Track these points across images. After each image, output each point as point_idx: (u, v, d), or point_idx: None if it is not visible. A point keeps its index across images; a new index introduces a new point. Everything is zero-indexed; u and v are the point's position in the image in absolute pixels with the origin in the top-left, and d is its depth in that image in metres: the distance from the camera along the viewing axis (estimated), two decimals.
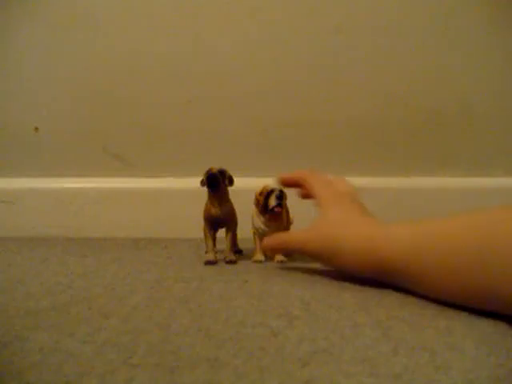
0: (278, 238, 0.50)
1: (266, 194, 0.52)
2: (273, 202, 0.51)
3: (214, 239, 0.55)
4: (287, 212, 0.55)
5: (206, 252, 0.54)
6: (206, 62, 0.71)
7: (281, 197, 0.52)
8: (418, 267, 0.38)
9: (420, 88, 0.71)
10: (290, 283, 0.44)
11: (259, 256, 0.54)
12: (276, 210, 0.51)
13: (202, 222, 0.54)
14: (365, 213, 0.47)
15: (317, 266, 0.49)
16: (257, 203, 0.53)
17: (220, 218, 0.53)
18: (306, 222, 0.46)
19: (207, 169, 0.52)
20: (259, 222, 0.53)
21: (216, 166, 0.52)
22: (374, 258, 0.41)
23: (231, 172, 0.53)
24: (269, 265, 0.53)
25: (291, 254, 0.55)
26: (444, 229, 0.37)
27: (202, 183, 0.52)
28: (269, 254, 0.54)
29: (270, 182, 0.53)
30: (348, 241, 0.43)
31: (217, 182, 0.51)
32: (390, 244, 0.40)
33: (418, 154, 0.72)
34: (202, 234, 0.54)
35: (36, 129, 0.74)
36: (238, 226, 0.55)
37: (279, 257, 0.53)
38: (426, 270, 0.37)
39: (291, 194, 0.53)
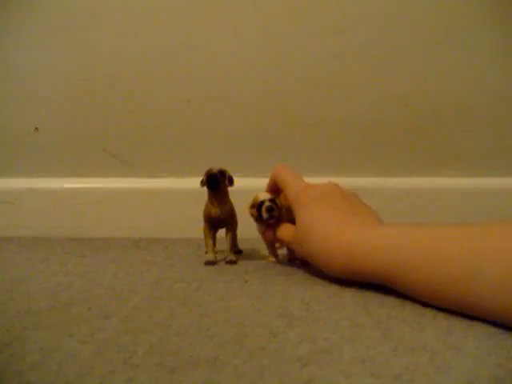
0: (272, 235, 0.52)
1: (258, 207, 0.51)
2: (265, 214, 0.50)
3: (214, 239, 0.55)
4: (286, 211, 0.53)
5: (206, 252, 0.54)
6: (206, 61, 0.71)
7: (271, 208, 0.50)
8: (404, 280, 0.37)
9: (420, 88, 0.70)
10: (291, 283, 0.44)
11: (270, 258, 0.55)
12: (270, 222, 0.51)
13: (202, 222, 0.54)
14: (353, 212, 0.45)
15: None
16: (251, 215, 0.53)
17: (220, 218, 0.53)
18: None
19: (207, 169, 0.52)
20: (259, 230, 0.54)
21: (216, 166, 0.52)
22: (355, 265, 0.40)
23: (231, 172, 0.53)
24: (268, 265, 0.53)
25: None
26: (435, 241, 0.36)
27: (202, 183, 0.52)
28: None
29: (259, 193, 0.52)
30: (325, 246, 0.43)
31: (217, 182, 0.51)
32: (374, 252, 0.39)
33: (418, 154, 0.72)
34: (202, 234, 0.54)
35: (36, 129, 0.74)
36: (238, 226, 0.55)
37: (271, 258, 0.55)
38: (413, 282, 0.36)
39: None
